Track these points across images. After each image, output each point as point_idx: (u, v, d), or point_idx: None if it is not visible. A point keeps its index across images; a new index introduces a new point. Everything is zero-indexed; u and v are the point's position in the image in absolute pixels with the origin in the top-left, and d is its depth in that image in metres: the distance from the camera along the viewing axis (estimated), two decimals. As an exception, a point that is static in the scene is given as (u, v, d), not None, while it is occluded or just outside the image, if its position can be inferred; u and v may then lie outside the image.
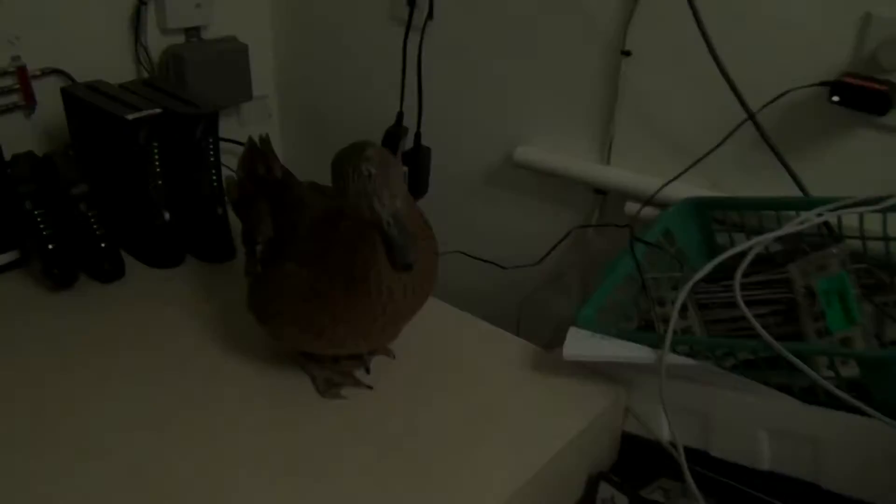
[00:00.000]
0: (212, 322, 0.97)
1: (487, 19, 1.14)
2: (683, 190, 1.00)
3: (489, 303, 1.29)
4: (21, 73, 1.13)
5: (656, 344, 0.82)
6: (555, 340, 1.23)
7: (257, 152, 0.94)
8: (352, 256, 0.71)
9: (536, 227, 1.20)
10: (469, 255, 1.25)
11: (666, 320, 0.89)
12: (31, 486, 0.72)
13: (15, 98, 1.15)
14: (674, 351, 0.80)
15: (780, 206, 0.91)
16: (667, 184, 0.99)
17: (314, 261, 0.75)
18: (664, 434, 0.86)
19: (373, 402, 0.85)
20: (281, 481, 0.74)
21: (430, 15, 1.16)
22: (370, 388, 0.86)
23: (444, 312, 1.01)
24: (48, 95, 1.16)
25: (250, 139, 0.95)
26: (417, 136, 1.14)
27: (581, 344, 0.84)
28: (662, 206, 1.01)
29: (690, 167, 0.98)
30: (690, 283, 0.83)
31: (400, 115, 1.15)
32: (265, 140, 0.96)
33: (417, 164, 1.17)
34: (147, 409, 0.82)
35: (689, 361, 0.79)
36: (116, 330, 0.95)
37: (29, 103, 1.16)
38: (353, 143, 0.67)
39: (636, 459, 0.93)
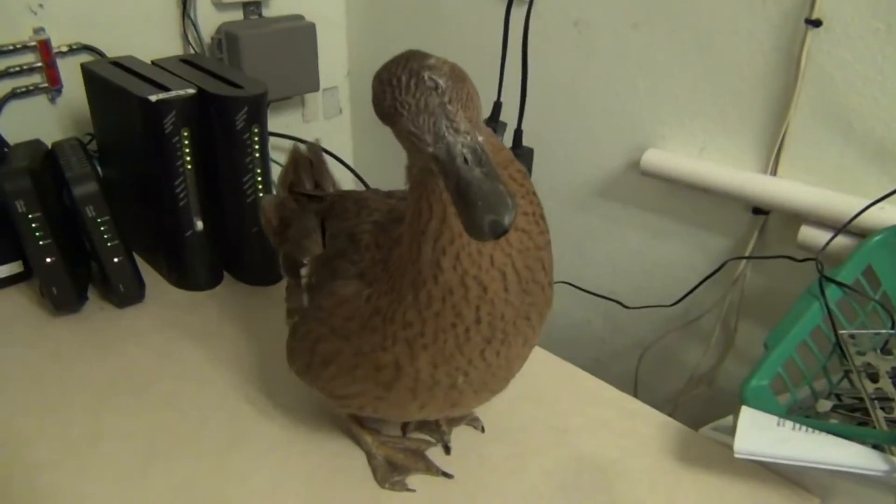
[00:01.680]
0: (248, 366, 0.75)
1: (615, -16, 0.88)
2: (893, 214, 0.71)
3: (601, 347, 1.03)
4: (44, 47, 0.94)
5: (883, 443, 0.54)
6: (683, 401, 0.96)
7: (303, 164, 0.72)
8: (419, 247, 0.47)
9: (670, 254, 0.93)
10: (579, 288, 0.99)
11: (882, 401, 0.61)
12: None
13: (37, 78, 0.96)
14: (912, 457, 0.52)
15: None
16: (872, 204, 0.71)
17: (378, 273, 0.52)
18: (881, 573, 0.58)
19: (452, 494, 0.60)
20: None
21: (539, -20, 0.91)
22: (449, 476, 0.61)
23: (543, 362, 0.75)
24: (77, 77, 0.97)
25: (295, 147, 0.73)
26: (518, 133, 0.90)
27: (761, 436, 0.57)
28: (859, 235, 0.73)
29: (909, 182, 0.70)
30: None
31: (497, 107, 0.90)
32: (316, 148, 0.74)
33: (517, 169, 0.92)
34: (136, 490, 0.59)
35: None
36: (117, 371, 0.74)
37: (54, 85, 0.97)
38: (407, 51, 0.45)
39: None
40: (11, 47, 0.92)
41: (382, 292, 0.51)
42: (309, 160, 0.73)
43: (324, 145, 1.21)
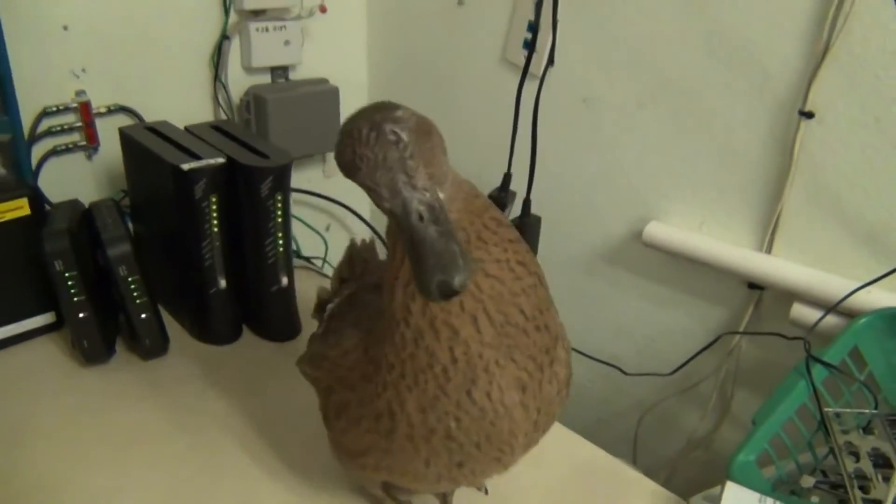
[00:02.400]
0: (267, 418, 0.79)
1: (621, 66, 0.93)
2: (880, 298, 0.75)
3: (603, 408, 1.06)
4: (84, 109, 1.01)
5: (859, 527, 0.57)
6: (680, 465, 0.99)
7: (357, 258, 0.75)
8: (392, 291, 0.49)
9: (670, 324, 0.97)
10: (582, 353, 1.03)
11: (861, 480, 0.64)
12: None
13: (76, 137, 1.02)
14: (885, 540, 0.55)
15: None
16: (861, 288, 0.75)
17: (373, 323, 0.54)
18: None
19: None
20: None
21: (550, 60, 0.97)
22: None
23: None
24: (113, 136, 1.03)
25: (352, 243, 0.77)
26: (527, 203, 0.94)
27: (744, 512, 0.61)
28: (847, 315, 0.77)
29: (894, 270, 0.73)
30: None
31: (507, 178, 0.95)
32: (370, 245, 0.77)
33: (525, 236, 0.96)
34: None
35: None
36: (142, 421, 0.78)
37: (91, 144, 1.03)
38: (376, 102, 0.46)
39: None
40: (55, 108, 0.99)
41: (373, 340, 0.52)
42: (364, 257, 0.75)
43: (341, 199, 1.27)
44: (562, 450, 0.77)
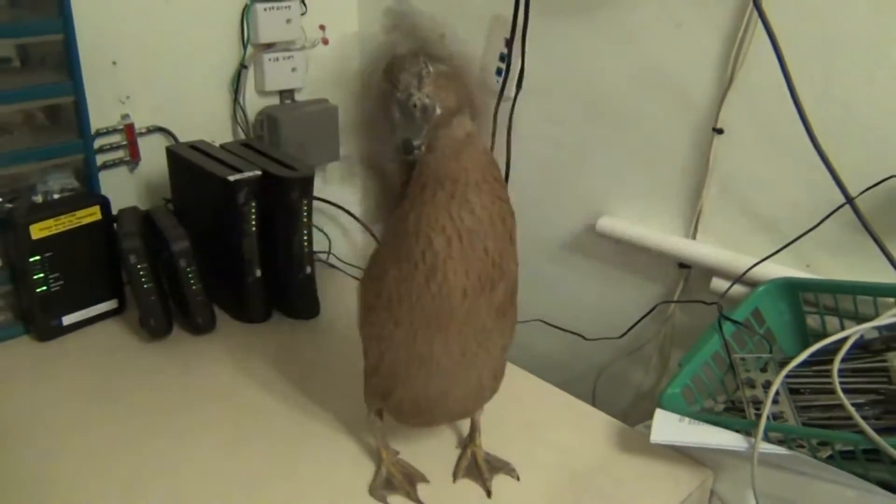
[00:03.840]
0: (295, 381, 0.99)
1: (577, 92, 1.15)
2: (774, 269, 0.98)
3: (564, 369, 1.28)
4: (129, 130, 1.20)
5: (749, 430, 0.80)
6: (631, 413, 1.22)
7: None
8: (404, 201, 0.66)
9: (619, 298, 1.19)
10: (549, 324, 1.25)
11: (755, 403, 0.87)
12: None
13: (121, 153, 1.21)
14: (766, 438, 0.78)
15: (879, 291, 0.89)
16: (758, 263, 0.98)
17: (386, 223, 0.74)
18: (753, 522, 0.83)
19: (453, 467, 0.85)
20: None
21: (519, 86, 1.19)
22: None
23: (523, 380, 1.01)
24: (151, 152, 1.22)
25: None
26: (502, 202, 1.16)
27: (670, 429, 0.83)
28: (751, 284, 1.00)
29: (783, 248, 0.96)
30: (788, 368, 0.82)
31: (486, 182, 1.17)
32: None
33: (501, 230, 1.18)
34: (234, 466, 0.84)
35: (783, 451, 0.77)
36: (207, 382, 0.98)
37: (134, 159, 1.22)
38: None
39: (720, 545, 0.91)
40: (105, 130, 1.18)
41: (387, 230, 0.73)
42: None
43: (338, 202, 1.47)
44: (535, 394, 0.99)
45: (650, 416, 1.16)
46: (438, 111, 0.61)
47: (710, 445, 0.80)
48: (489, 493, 0.82)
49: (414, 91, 0.60)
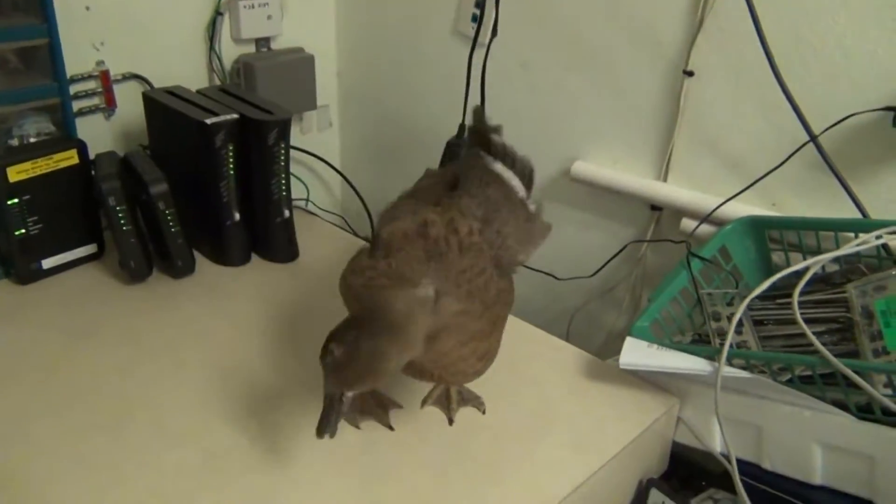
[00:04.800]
0: (273, 320, 1.01)
1: (551, 37, 1.17)
2: (741, 209, 1.01)
3: (541, 312, 1.32)
4: (104, 76, 1.19)
5: (713, 356, 0.83)
6: (604, 351, 1.25)
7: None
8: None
9: (591, 240, 1.22)
10: (523, 265, 1.28)
11: (721, 334, 0.91)
12: (114, 466, 0.76)
13: (97, 100, 1.21)
14: (730, 364, 0.82)
15: (839, 227, 0.92)
16: (725, 202, 1.01)
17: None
18: (716, 445, 0.87)
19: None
20: (345, 477, 0.77)
21: (494, 32, 1.20)
22: (391, 428, 0.83)
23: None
24: (127, 99, 1.22)
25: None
26: (478, 148, 1.18)
27: (637, 354, 0.86)
28: (719, 223, 1.03)
29: (749, 186, 1.00)
30: (749, 298, 0.85)
31: (462, 128, 1.18)
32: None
33: (477, 175, 1.20)
34: (216, 402, 0.86)
35: (745, 374, 0.80)
36: (187, 323, 1.00)
37: (110, 106, 1.22)
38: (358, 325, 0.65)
39: (685, 469, 0.95)
40: (80, 76, 1.17)
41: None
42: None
43: (316, 152, 1.48)
44: (513, 332, 1.01)
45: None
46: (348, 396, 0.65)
47: (675, 370, 0.84)
48: (451, 422, 0.85)
49: (329, 388, 0.65)
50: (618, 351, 1.04)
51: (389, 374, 0.65)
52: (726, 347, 0.81)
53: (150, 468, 0.76)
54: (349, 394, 0.64)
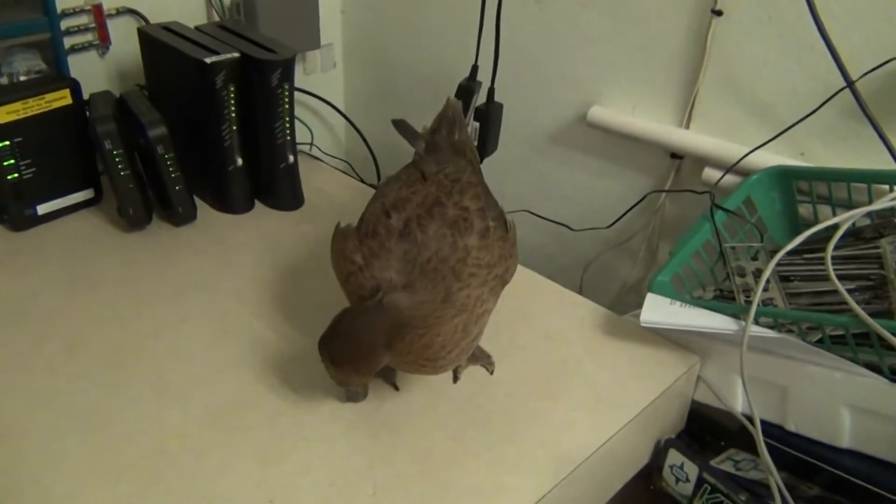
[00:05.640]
0: (277, 271, 0.98)
1: (569, -27, 1.10)
2: (768, 159, 0.96)
3: (553, 263, 1.28)
4: (97, 10, 1.13)
5: (739, 314, 0.80)
6: (618, 304, 1.22)
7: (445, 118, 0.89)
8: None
9: (608, 189, 1.18)
10: (536, 215, 1.24)
11: (745, 291, 0.87)
12: (113, 422, 0.74)
13: (90, 37, 1.15)
14: (756, 323, 0.78)
15: (873, 178, 0.87)
16: (752, 151, 0.96)
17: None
18: (738, 405, 0.84)
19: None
20: (354, 436, 0.74)
21: (509, -33, 1.13)
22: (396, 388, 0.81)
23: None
24: (122, 35, 1.16)
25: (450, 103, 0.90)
26: (491, 91, 1.12)
27: (659, 311, 0.83)
28: (743, 174, 0.98)
29: (779, 135, 0.95)
30: (780, 255, 0.81)
31: (475, 69, 1.12)
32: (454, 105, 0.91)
33: (489, 120, 1.15)
34: (219, 354, 0.83)
35: (773, 334, 0.77)
36: (189, 272, 0.96)
37: (104, 42, 1.16)
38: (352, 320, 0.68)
39: (702, 427, 0.92)
40: (72, 10, 1.11)
41: None
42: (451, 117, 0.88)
43: (319, 94, 1.42)
44: (525, 284, 0.98)
45: (637, 307, 1.17)
46: None
47: (700, 328, 0.80)
48: (455, 379, 0.82)
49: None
50: (633, 305, 1.01)
51: (371, 373, 0.69)
52: (754, 306, 0.77)
53: (152, 423, 0.73)
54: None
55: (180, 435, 0.72)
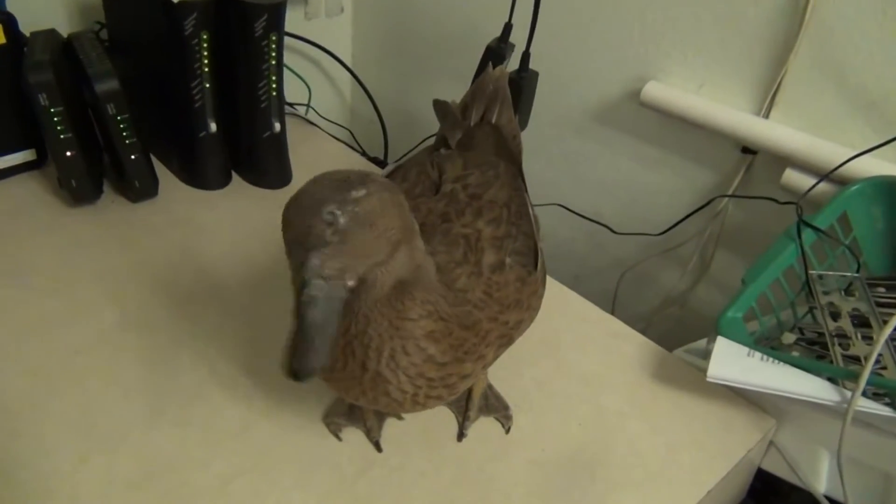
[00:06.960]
0: (254, 261, 0.79)
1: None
2: (874, 165, 0.77)
3: (584, 264, 1.09)
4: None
5: (839, 378, 0.61)
6: (654, 318, 1.03)
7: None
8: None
9: (660, 185, 0.98)
10: (570, 210, 1.04)
11: (840, 337, 0.68)
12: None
13: (42, -40, 0.95)
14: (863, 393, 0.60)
15: None
16: (857, 156, 0.76)
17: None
18: (821, 485, 0.67)
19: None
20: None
21: None
22: (379, 450, 0.62)
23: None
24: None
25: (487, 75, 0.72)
26: (525, 56, 0.91)
27: (732, 364, 0.64)
28: (837, 182, 0.79)
29: (893, 139, 0.74)
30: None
31: (507, 28, 0.92)
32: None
33: (522, 92, 0.95)
34: (176, 371, 0.65)
35: (889, 412, 0.58)
36: (140, 261, 0.78)
37: (59, -32, 0.95)
38: (347, 172, 0.43)
39: (769, 489, 0.75)
40: (20, -73, 0.91)
41: None
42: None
43: (323, 44, 1.22)
44: (554, 302, 0.79)
45: (678, 325, 0.98)
46: None
47: (787, 393, 0.62)
48: (460, 437, 0.64)
49: (308, 273, 0.40)
50: (671, 320, 0.83)
51: None
52: (866, 374, 0.58)
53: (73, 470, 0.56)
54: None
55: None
